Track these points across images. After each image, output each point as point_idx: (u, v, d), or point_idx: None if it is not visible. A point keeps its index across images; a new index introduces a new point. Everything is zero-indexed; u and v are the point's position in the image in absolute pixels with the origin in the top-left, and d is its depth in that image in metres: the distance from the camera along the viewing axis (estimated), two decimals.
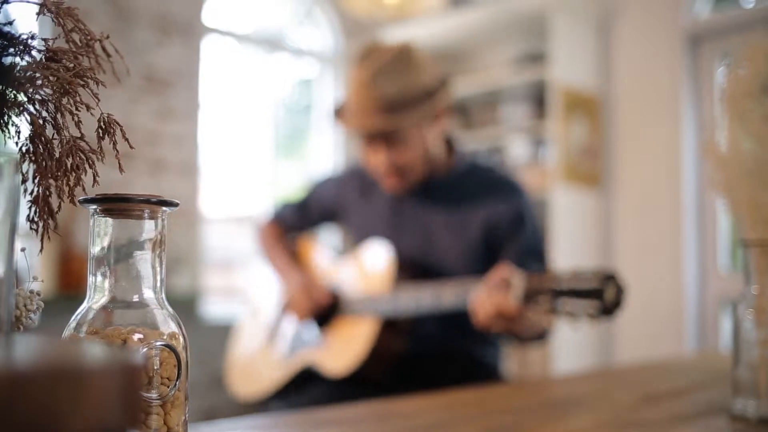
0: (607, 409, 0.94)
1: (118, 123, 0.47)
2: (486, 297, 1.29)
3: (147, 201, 0.47)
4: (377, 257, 1.63)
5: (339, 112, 1.62)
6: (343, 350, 1.57)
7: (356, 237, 1.75)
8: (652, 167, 3.81)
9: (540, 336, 1.52)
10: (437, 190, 1.65)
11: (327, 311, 1.66)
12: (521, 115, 4.00)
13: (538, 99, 3.98)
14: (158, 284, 0.47)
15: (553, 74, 3.74)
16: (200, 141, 3.98)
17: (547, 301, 1.19)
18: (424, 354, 1.59)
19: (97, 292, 0.46)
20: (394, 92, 1.49)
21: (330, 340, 1.62)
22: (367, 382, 1.53)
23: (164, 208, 0.47)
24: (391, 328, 1.54)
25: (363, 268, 1.67)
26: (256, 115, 4.45)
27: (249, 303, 1.97)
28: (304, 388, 1.64)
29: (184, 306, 3.76)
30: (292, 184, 4.62)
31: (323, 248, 1.89)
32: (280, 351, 1.74)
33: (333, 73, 4.74)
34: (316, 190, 1.88)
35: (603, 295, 1.12)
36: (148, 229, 0.47)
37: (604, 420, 0.87)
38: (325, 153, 4.71)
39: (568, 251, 3.72)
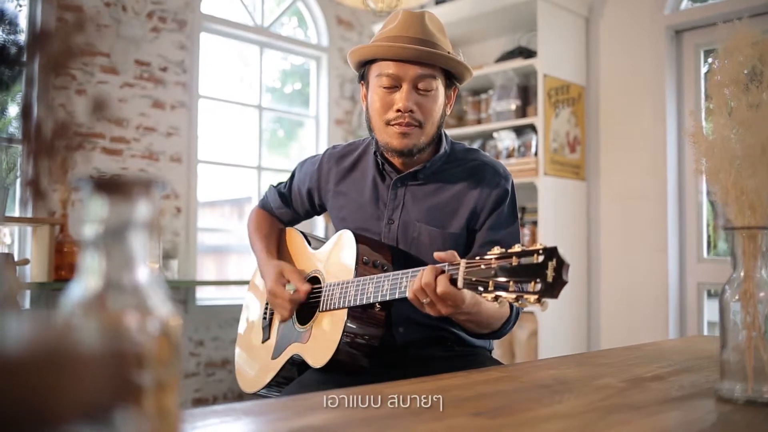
0: (597, 392, 0.95)
1: (110, 99, 0.46)
2: (418, 280, 1.29)
3: (141, 182, 0.46)
4: (344, 246, 1.58)
5: (362, 47, 1.60)
6: (320, 343, 1.53)
7: (335, 226, 1.72)
8: (636, 157, 3.84)
9: (495, 333, 1.51)
10: (420, 176, 1.62)
11: (305, 302, 1.63)
12: (508, 106, 4.01)
13: (524, 90, 4.00)
14: (147, 264, 0.47)
15: (539, 66, 3.75)
16: (195, 130, 3.96)
17: (491, 284, 1.15)
18: (414, 340, 1.58)
19: (90, 274, 0.46)
20: (438, 33, 1.57)
21: (311, 332, 1.58)
22: (352, 371, 1.50)
23: (159, 190, 0.47)
24: (363, 316, 1.49)
25: (331, 258, 1.63)
26: (247, 104, 4.43)
27: (247, 296, 1.93)
28: (295, 376, 1.63)
29: (177, 293, 3.75)
30: (283, 172, 4.61)
31: (304, 238, 1.82)
32: (271, 345, 1.72)
33: (322, 64, 4.72)
34: (296, 173, 1.85)
35: (545, 273, 1.07)
36: (143, 210, 0.47)
37: (595, 403, 0.88)
38: (315, 141, 4.70)
39: (553, 242, 3.73)
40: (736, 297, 0.91)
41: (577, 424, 0.77)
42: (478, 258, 1.21)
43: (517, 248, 1.15)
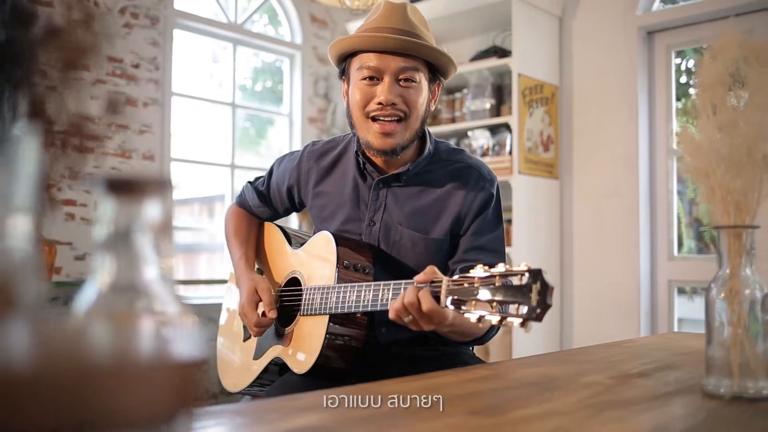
0: (586, 389, 0.96)
1: (123, 100, 0.46)
2: (400, 300, 1.26)
3: (154, 182, 0.46)
4: (324, 249, 1.54)
5: (342, 40, 1.55)
6: (302, 348, 1.51)
7: (315, 226, 1.69)
8: (608, 156, 3.89)
9: (477, 339, 1.50)
10: (403, 177, 1.58)
11: (287, 302, 1.61)
12: (482, 105, 4.03)
13: (499, 89, 4.03)
14: (165, 266, 0.46)
15: (514, 65, 3.78)
16: (168, 127, 3.92)
17: (474, 304, 1.15)
18: (397, 340, 1.57)
19: (104, 274, 0.45)
20: (421, 26, 1.54)
21: (292, 335, 1.57)
22: (336, 373, 1.49)
23: (171, 190, 0.47)
24: (345, 320, 1.47)
25: (312, 260, 1.60)
26: (221, 102, 4.39)
27: (229, 287, 1.90)
28: (277, 377, 1.62)
29: None
30: (254, 170, 4.58)
31: (284, 236, 1.79)
32: (252, 344, 1.70)
33: (296, 62, 4.70)
34: (274, 170, 1.80)
35: (529, 296, 1.07)
36: (155, 210, 0.46)
37: (585, 400, 0.89)
38: (289, 139, 4.68)
39: (527, 240, 3.77)
40: (722, 294, 0.93)
41: (573, 421, 0.78)
42: (460, 276, 1.20)
43: (501, 268, 1.14)
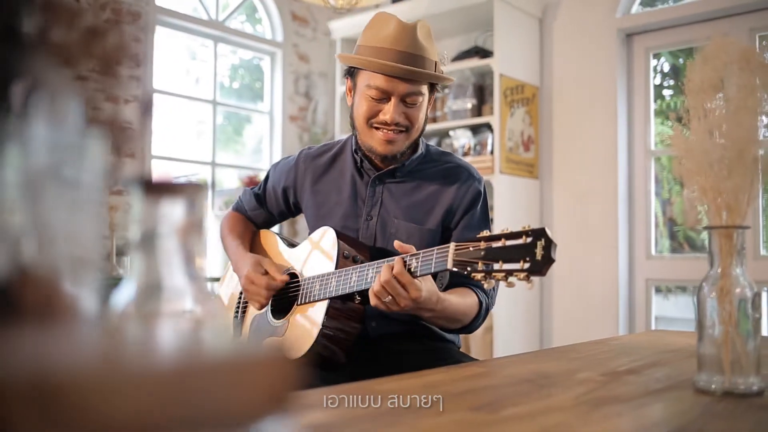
0: (580, 385, 0.98)
1: (156, 101, 0.46)
2: (377, 282, 1.34)
3: (187, 183, 0.46)
4: (325, 242, 1.60)
5: (354, 57, 1.60)
6: (298, 334, 1.54)
7: (311, 224, 1.74)
8: (587, 156, 3.94)
9: (464, 328, 1.56)
10: (398, 174, 1.67)
11: (282, 296, 1.63)
12: (464, 104, 4.06)
13: (480, 89, 4.06)
14: (197, 266, 0.47)
15: (495, 66, 3.82)
16: (149, 126, 3.87)
17: (480, 264, 1.21)
18: (387, 334, 1.61)
19: (139, 274, 0.46)
20: (427, 43, 1.58)
21: (288, 325, 1.59)
22: (328, 364, 1.52)
23: (203, 190, 0.47)
24: (342, 308, 1.51)
25: (311, 254, 1.64)
26: (202, 99, 4.36)
27: (217, 291, 1.91)
28: None
29: None
30: (234, 168, 4.55)
31: (279, 238, 1.82)
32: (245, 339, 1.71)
33: (277, 60, 4.69)
34: (270, 174, 1.86)
35: (534, 252, 1.13)
36: (188, 210, 0.47)
37: (581, 396, 0.91)
38: (270, 137, 4.67)
39: None
40: (713, 293, 0.96)
41: (574, 417, 0.80)
42: (466, 241, 1.26)
43: (505, 230, 1.19)
